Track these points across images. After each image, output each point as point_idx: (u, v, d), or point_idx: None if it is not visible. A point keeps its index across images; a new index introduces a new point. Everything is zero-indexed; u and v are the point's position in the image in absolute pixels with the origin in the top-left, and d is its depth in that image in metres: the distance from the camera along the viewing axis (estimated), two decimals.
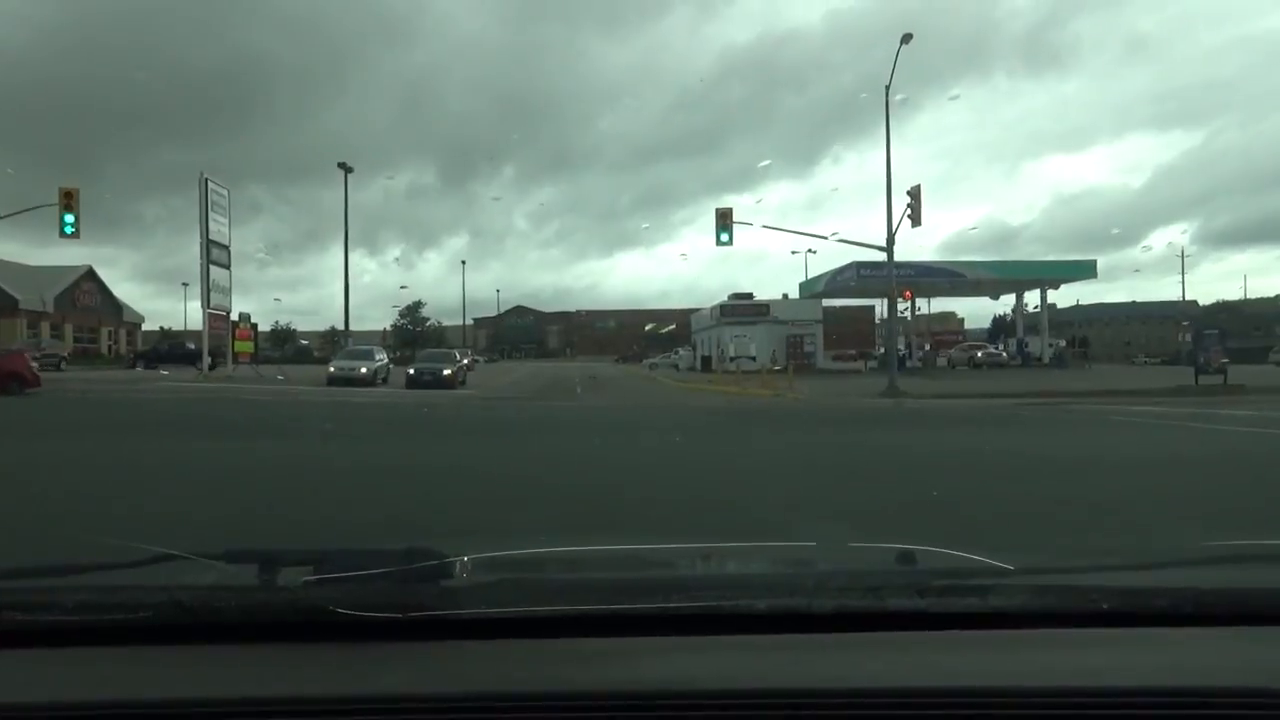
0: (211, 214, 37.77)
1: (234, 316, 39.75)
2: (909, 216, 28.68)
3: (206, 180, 37.51)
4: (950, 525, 6.41)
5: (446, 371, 32.63)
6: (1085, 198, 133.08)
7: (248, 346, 40.10)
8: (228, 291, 39.59)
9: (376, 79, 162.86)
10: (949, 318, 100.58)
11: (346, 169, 43.04)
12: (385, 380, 35.56)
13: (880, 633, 1.16)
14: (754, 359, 47.15)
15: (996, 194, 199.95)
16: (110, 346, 65.24)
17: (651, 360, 72.23)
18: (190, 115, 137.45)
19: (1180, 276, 45.04)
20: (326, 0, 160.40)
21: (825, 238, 33.04)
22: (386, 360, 37.18)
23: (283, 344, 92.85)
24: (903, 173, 45.36)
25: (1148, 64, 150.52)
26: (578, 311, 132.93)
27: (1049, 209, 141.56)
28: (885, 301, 48.46)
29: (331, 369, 33.93)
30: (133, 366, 45.97)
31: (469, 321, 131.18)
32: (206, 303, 37.65)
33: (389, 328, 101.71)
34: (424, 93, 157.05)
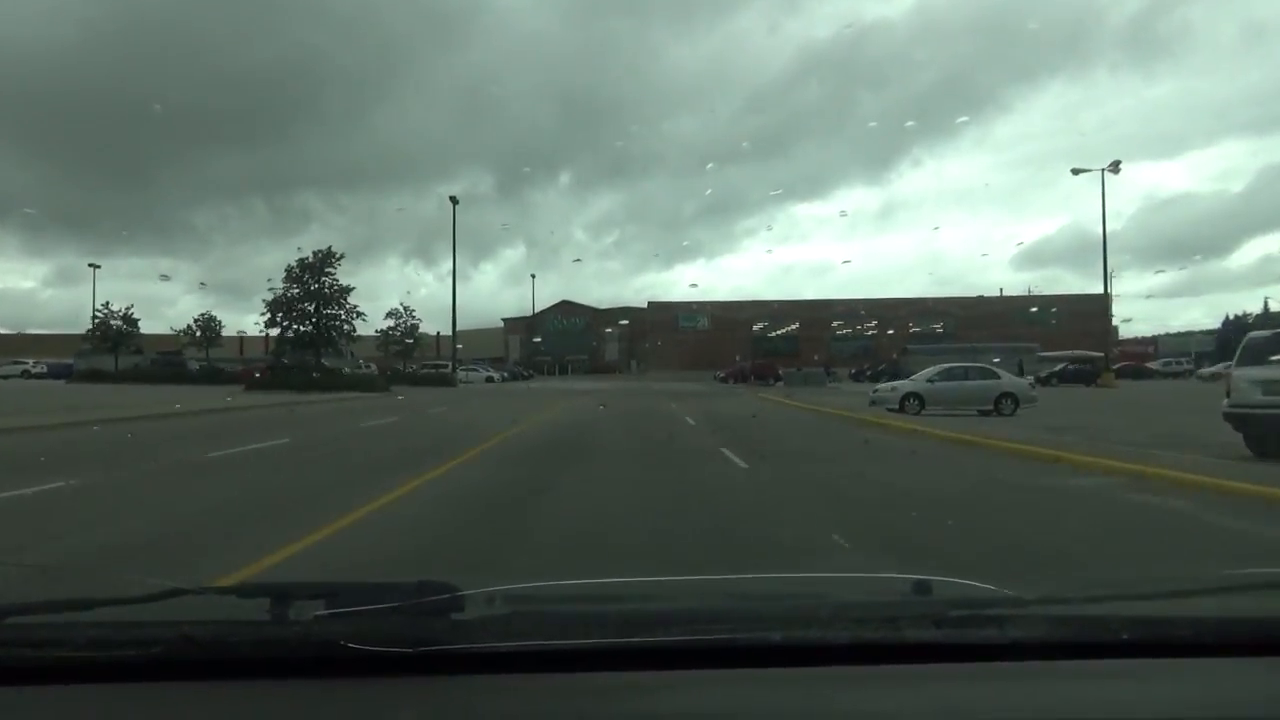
0: None
1: None
2: None
3: None
4: None
5: None
6: (1179, 202, 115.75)
7: None
8: None
9: (431, 83, 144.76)
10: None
11: None
12: None
13: (898, 665, 1.13)
14: None
15: (1078, 200, 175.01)
16: None
17: (880, 388, 27.11)
18: (240, 120, 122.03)
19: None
20: (380, 1, 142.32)
21: None
22: None
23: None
24: (978, 180, 21.21)
25: (1249, 66, 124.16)
26: (648, 305, 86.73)
27: (1136, 216, 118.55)
28: None
29: None
30: None
31: (498, 323, 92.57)
32: None
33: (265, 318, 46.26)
34: (481, 96, 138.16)
